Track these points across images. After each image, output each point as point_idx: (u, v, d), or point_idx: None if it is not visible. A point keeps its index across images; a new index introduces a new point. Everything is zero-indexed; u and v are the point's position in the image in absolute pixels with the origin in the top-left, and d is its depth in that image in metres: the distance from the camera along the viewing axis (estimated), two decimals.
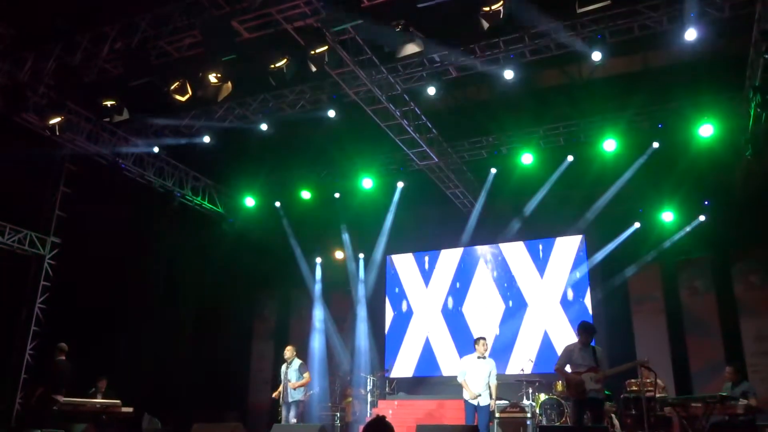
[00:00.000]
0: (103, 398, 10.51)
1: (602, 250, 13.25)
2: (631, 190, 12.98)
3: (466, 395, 8.82)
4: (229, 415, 12.69)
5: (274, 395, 10.06)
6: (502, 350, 13.33)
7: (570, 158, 12.55)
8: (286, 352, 9.86)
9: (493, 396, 8.90)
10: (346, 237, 15.32)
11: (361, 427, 3.44)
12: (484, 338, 9.06)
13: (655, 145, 11.71)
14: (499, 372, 9.61)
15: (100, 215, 11.83)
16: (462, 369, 8.97)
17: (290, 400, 9.55)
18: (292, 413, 9.56)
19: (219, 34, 7.69)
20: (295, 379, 9.60)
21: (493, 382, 8.88)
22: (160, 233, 13.03)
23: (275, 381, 14.59)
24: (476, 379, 8.80)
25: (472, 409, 8.77)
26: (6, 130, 9.74)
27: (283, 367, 9.83)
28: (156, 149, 12.29)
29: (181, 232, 13.61)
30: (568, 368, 7.62)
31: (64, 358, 9.71)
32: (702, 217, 12.34)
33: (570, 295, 13.45)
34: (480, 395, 8.71)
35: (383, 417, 3.42)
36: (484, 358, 8.88)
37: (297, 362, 9.74)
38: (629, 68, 11.14)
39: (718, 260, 12.36)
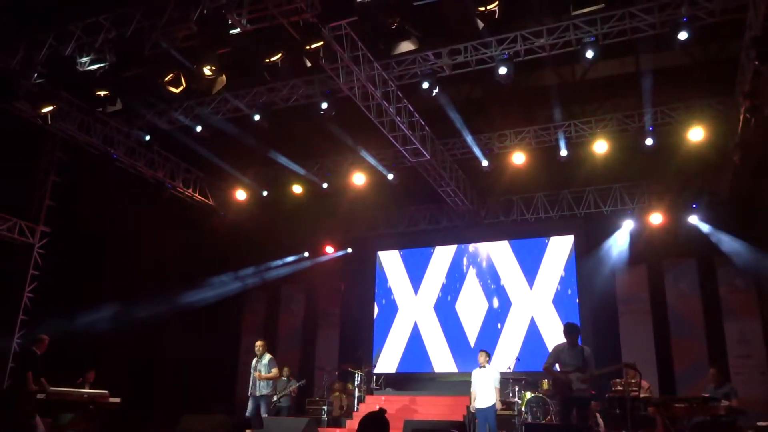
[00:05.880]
0: (90, 389, 10.47)
1: (591, 250, 13.37)
2: (621, 192, 13.15)
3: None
4: (217, 407, 12.68)
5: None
6: (489, 348, 13.44)
7: None
8: (256, 345, 9.71)
9: (496, 398, 9.38)
10: (335, 232, 15.35)
11: (357, 418, 3.45)
12: (482, 350, 9.80)
13: (647, 145, 11.77)
14: None
15: (90, 205, 11.77)
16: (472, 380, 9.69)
17: (258, 393, 9.43)
18: (263, 408, 9.41)
19: (214, 27, 7.68)
20: (264, 372, 9.49)
21: (496, 386, 9.43)
22: (151, 225, 12.97)
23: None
24: (479, 387, 9.48)
25: (480, 414, 9.37)
26: None
27: (254, 361, 9.72)
28: (147, 138, 12.21)
29: (171, 224, 13.57)
30: (556, 367, 7.72)
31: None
32: (690, 219, 12.47)
33: (558, 294, 13.56)
34: (482, 399, 9.35)
35: (383, 411, 3.41)
36: (483, 367, 9.52)
37: (267, 356, 9.61)
38: (621, 70, 11.22)
39: (704, 263, 12.51)
